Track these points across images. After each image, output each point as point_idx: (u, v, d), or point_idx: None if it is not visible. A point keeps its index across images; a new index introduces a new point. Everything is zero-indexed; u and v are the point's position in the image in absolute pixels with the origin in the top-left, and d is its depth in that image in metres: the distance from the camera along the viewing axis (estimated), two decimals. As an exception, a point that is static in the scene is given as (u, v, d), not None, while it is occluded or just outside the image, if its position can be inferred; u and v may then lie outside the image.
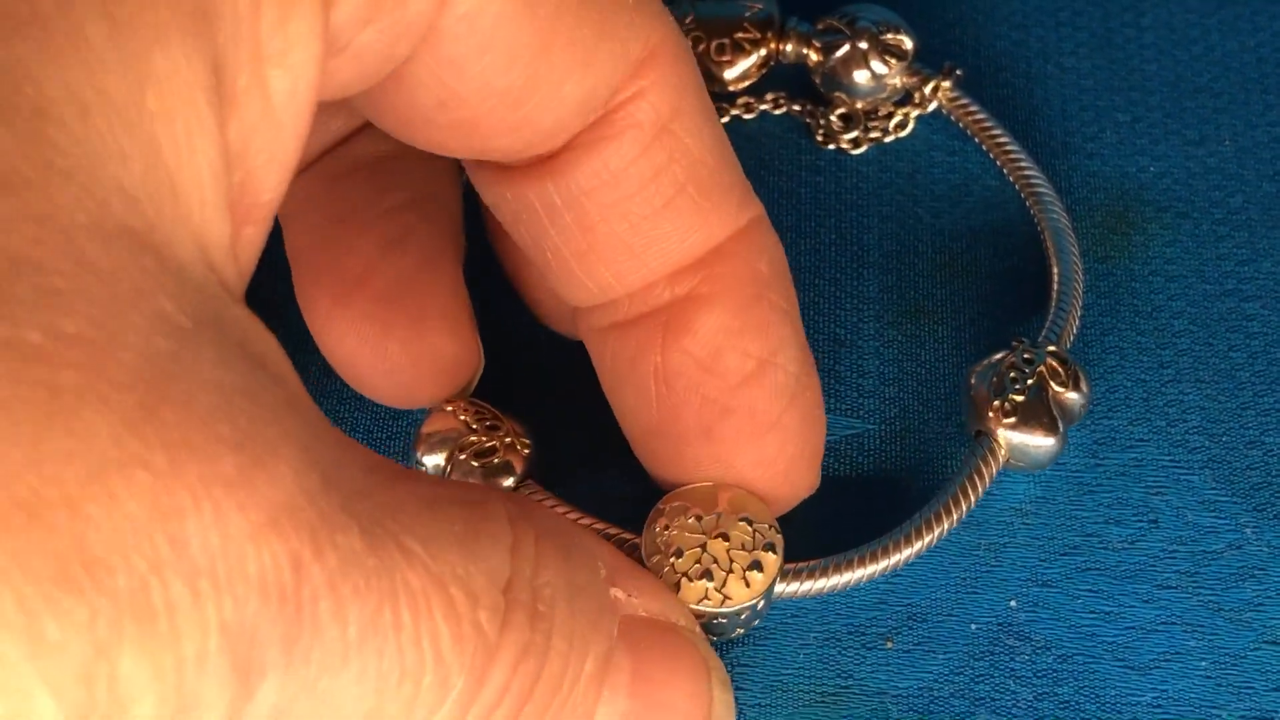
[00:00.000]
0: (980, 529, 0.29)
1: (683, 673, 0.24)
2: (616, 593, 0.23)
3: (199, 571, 0.16)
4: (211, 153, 0.18)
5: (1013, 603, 0.28)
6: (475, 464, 0.28)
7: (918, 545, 0.28)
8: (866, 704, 0.27)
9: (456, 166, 0.29)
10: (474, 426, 0.28)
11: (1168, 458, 0.30)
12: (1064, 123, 0.34)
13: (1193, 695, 0.27)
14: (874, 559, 0.28)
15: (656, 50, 0.24)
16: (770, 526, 0.26)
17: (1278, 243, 0.32)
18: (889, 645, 0.28)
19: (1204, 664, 0.27)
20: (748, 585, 0.26)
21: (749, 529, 0.26)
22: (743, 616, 0.26)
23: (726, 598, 0.26)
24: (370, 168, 0.28)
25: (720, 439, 0.26)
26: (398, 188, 0.28)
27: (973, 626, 0.28)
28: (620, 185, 0.25)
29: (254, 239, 0.20)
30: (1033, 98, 0.35)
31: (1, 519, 0.15)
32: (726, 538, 0.26)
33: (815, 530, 0.29)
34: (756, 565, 0.26)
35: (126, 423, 0.15)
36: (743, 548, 0.26)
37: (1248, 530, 0.29)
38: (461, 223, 0.29)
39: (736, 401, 0.26)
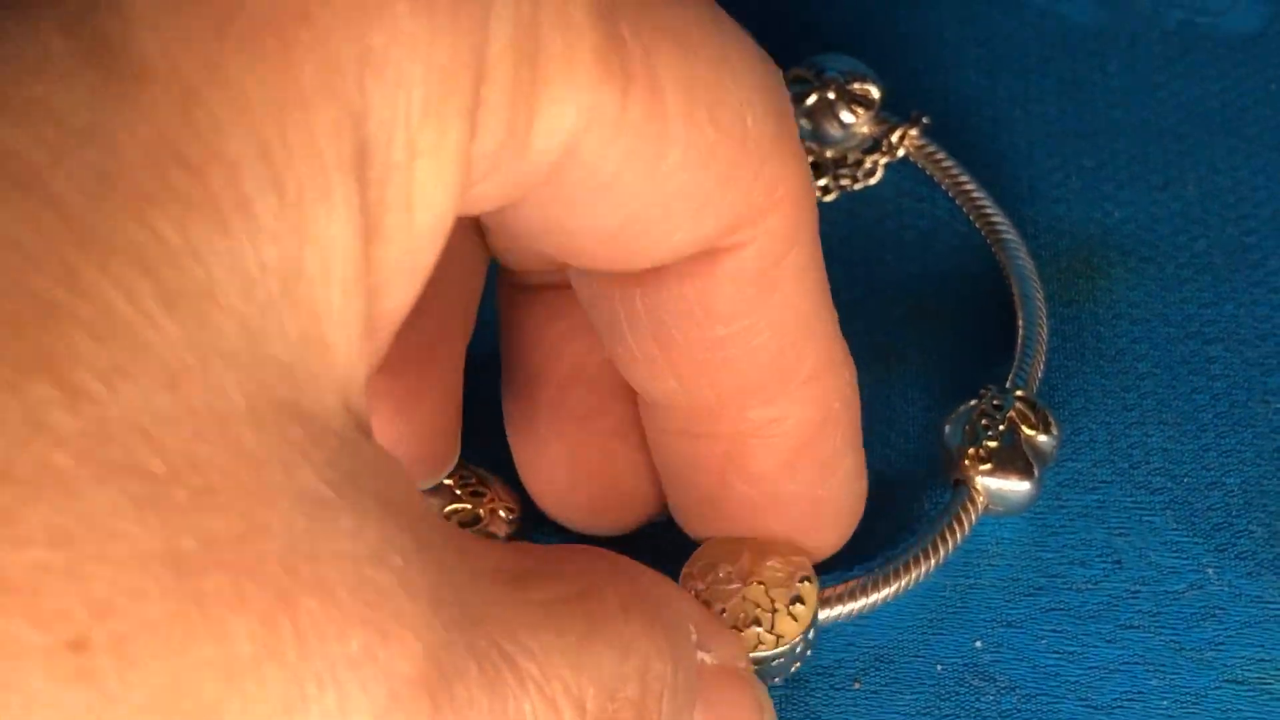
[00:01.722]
0: (947, 570, 0.29)
1: (745, 716, 0.25)
2: (703, 656, 0.24)
3: None
4: (359, 304, 0.18)
5: (978, 643, 0.29)
6: None
7: (897, 585, 0.28)
8: (834, 745, 0.28)
9: (484, 251, 0.29)
10: (459, 492, 0.28)
11: (1131, 499, 0.30)
12: (1030, 168, 0.35)
13: (1155, 734, 0.28)
14: (887, 581, 0.28)
15: (781, 200, 0.23)
16: (797, 558, 0.27)
17: (1240, 286, 0.33)
18: (857, 686, 0.28)
19: (1166, 703, 0.28)
20: (795, 619, 0.27)
21: (779, 566, 0.27)
22: (797, 650, 0.27)
23: (779, 637, 0.26)
24: None
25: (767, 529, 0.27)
26: None
27: (939, 667, 0.29)
28: (704, 316, 0.24)
29: (380, 349, 0.20)
30: (999, 143, 0.35)
31: None
32: (761, 581, 0.27)
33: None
34: (797, 599, 0.27)
35: (264, 620, 0.16)
36: (779, 585, 0.27)
37: (1209, 570, 0.29)
38: (475, 306, 0.29)
39: (787, 526, 0.27)
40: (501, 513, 0.28)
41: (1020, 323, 0.31)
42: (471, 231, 0.28)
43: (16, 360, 0.15)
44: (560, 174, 0.21)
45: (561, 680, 0.19)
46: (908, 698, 0.28)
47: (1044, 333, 0.31)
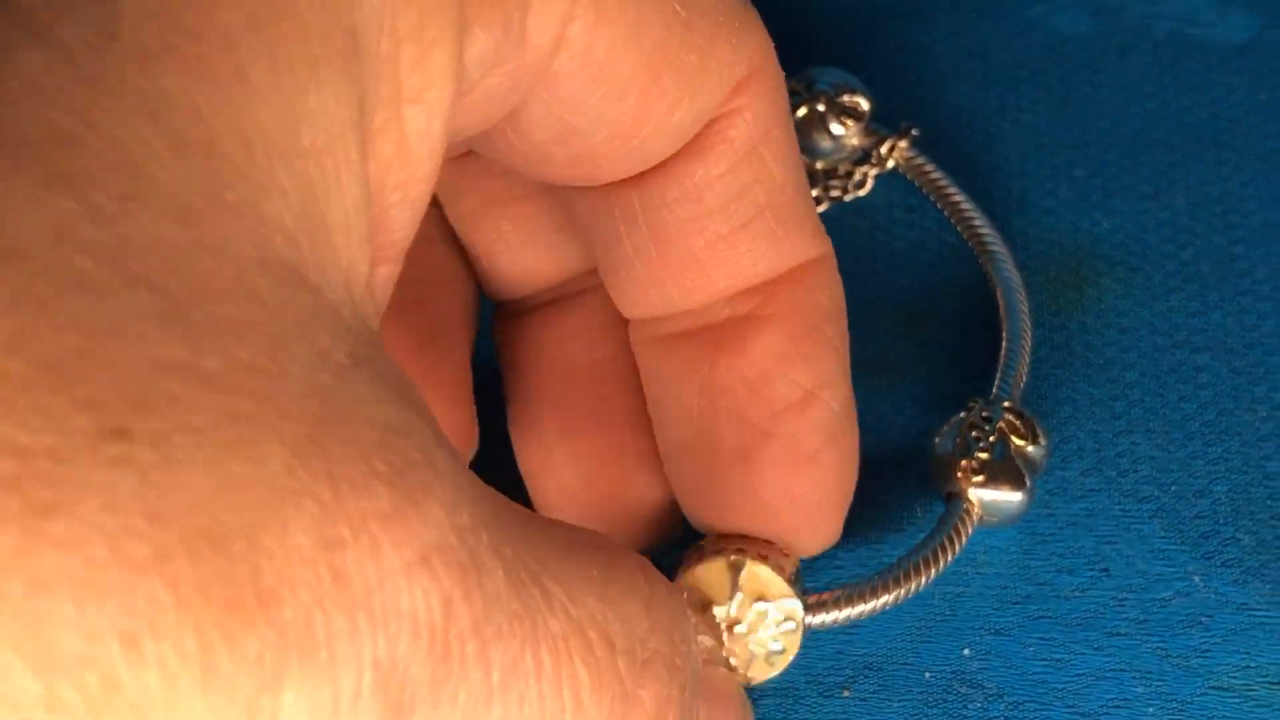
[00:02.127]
0: (935, 579, 0.30)
1: (733, 710, 0.25)
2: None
3: (357, 605, 0.16)
4: (356, 190, 0.18)
5: (966, 651, 0.29)
6: None
7: (892, 595, 0.28)
8: (823, 752, 0.28)
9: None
10: None
11: (1118, 507, 0.31)
12: (1021, 179, 0.35)
13: (1141, 741, 0.28)
14: (884, 589, 0.28)
15: (757, 70, 0.25)
16: (789, 603, 0.27)
17: (1228, 295, 0.33)
18: (846, 694, 0.29)
19: (1152, 710, 0.28)
20: (771, 666, 0.27)
21: (765, 611, 0.26)
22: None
23: (750, 679, 0.27)
24: None
25: (756, 465, 0.26)
26: (418, 257, 0.28)
27: (927, 675, 0.29)
28: (702, 201, 0.25)
29: (388, 277, 0.20)
30: (990, 154, 0.36)
31: (188, 546, 0.15)
32: (746, 628, 0.26)
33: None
34: (779, 650, 0.27)
35: (297, 454, 0.16)
36: (765, 628, 0.26)
37: (1195, 578, 0.30)
38: (478, 300, 0.30)
39: (778, 428, 0.26)
40: None
41: (1005, 334, 0.32)
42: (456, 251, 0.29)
43: (42, 175, 0.15)
44: (557, 67, 0.22)
45: (588, 609, 0.19)
46: (896, 705, 0.28)
47: (1028, 344, 0.31)
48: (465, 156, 0.28)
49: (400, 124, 0.19)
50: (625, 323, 0.28)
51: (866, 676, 0.29)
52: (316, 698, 0.15)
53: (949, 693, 0.28)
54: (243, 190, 0.16)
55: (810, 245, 0.26)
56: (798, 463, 0.26)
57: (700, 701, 0.23)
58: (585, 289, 0.29)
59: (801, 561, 0.29)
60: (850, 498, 0.27)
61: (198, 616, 0.14)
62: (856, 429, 0.27)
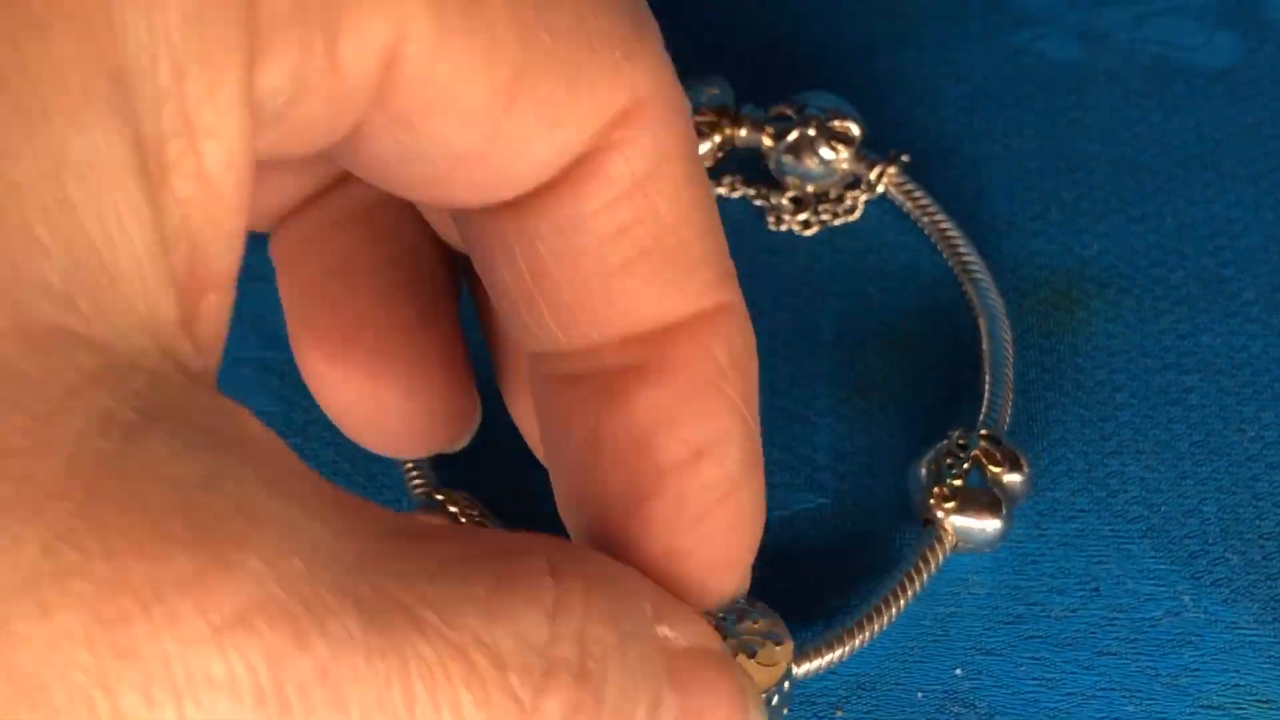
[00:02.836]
0: (927, 600, 0.30)
1: (724, 701, 0.23)
2: (664, 630, 0.22)
3: (151, 679, 0.15)
4: (147, 234, 0.17)
5: (958, 671, 0.29)
6: None
7: (869, 631, 0.29)
8: (816, 772, 0.28)
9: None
10: (462, 520, 0.29)
11: (1109, 528, 0.31)
12: (1009, 202, 0.35)
13: (1132, 759, 0.28)
14: (830, 648, 0.29)
15: (645, 103, 0.23)
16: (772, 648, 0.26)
17: (1217, 317, 0.34)
18: (839, 715, 0.29)
19: (1142, 729, 0.28)
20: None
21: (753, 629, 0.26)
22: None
23: None
24: (365, 215, 0.28)
25: (640, 521, 0.25)
26: (392, 237, 0.28)
27: (919, 695, 0.29)
28: (577, 236, 0.23)
29: (218, 306, 0.19)
30: (979, 178, 0.36)
31: None
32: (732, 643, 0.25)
33: (770, 601, 0.30)
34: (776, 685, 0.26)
35: (61, 532, 0.15)
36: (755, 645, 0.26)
37: (1185, 598, 0.30)
38: (457, 272, 0.29)
39: (663, 488, 0.25)
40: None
41: (986, 363, 0.32)
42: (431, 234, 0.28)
43: None
44: (390, 93, 0.21)
45: (471, 630, 0.18)
46: (889, 725, 0.29)
47: (1010, 372, 0.32)
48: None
49: (198, 158, 0.18)
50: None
51: (859, 696, 0.29)
52: None
53: (941, 712, 0.29)
54: None
55: (706, 293, 0.24)
56: (685, 522, 0.25)
57: (671, 693, 0.22)
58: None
59: (792, 583, 0.29)
60: (752, 552, 0.26)
61: None
62: (760, 479, 0.25)
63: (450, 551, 0.19)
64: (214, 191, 0.18)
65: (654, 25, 0.23)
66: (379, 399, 0.27)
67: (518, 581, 0.20)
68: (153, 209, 0.17)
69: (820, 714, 0.29)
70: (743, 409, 0.25)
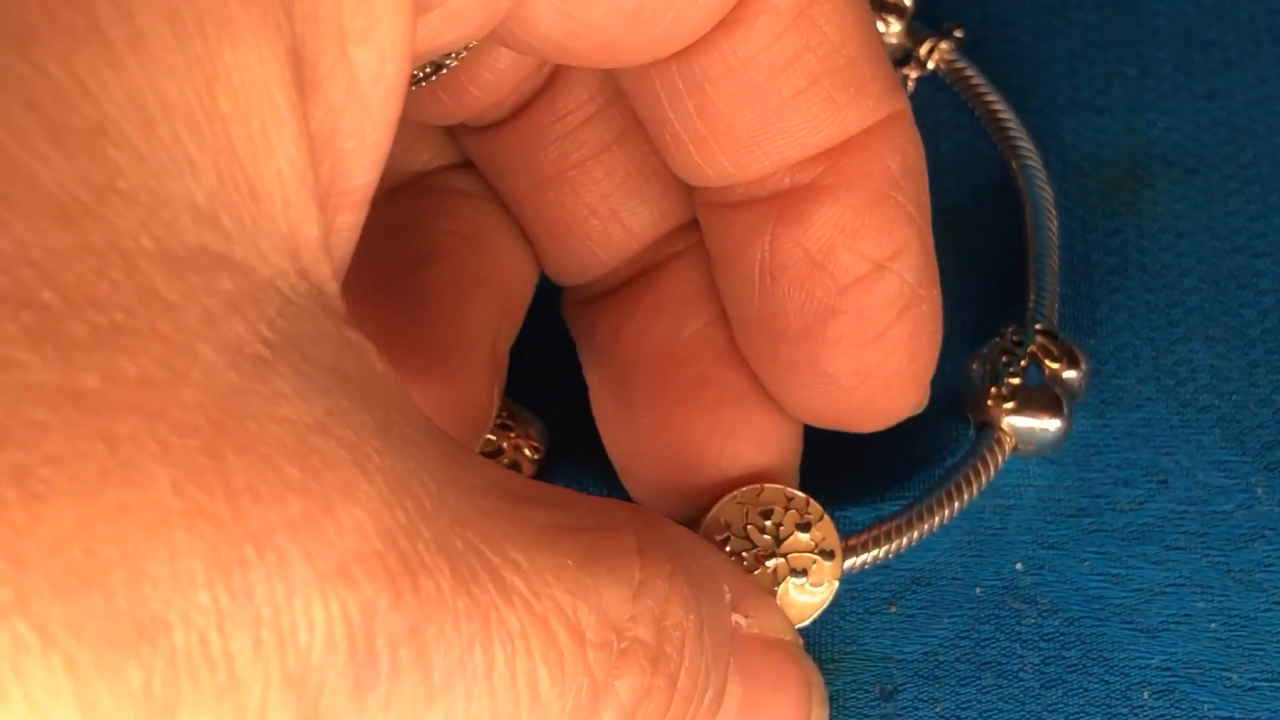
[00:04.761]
0: (985, 493, 0.28)
1: (788, 694, 0.23)
2: (737, 619, 0.22)
3: (260, 623, 0.15)
4: (292, 148, 0.17)
5: (1018, 565, 0.28)
6: None
7: (923, 528, 0.27)
8: (870, 669, 0.27)
9: (533, 261, 0.28)
10: None
11: (1177, 417, 0.29)
12: (1071, 78, 0.34)
13: (1202, 658, 0.27)
14: (882, 542, 0.27)
15: None
16: (820, 538, 0.26)
17: (1290, 197, 0.32)
18: (893, 610, 0.28)
19: (1213, 625, 0.27)
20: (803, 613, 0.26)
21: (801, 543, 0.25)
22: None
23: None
24: (451, 195, 0.27)
25: (821, 341, 0.25)
26: (468, 221, 0.27)
27: (977, 590, 0.28)
28: (748, 73, 0.23)
29: (349, 226, 0.19)
30: (1039, 53, 0.34)
31: (56, 585, 0.14)
32: (783, 567, 0.25)
33: (826, 496, 0.28)
34: (816, 600, 0.25)
35: (189, 470, 0.15)
36: (800, 574, 0.25)
37: (1258, 490, 0.28)
38: (521, 310, 0.28)
39: (844, 304, 0.24)
40: (526, 450, 0.28)
41: (1031, 254, 0.30)
42: (518, 238, 0.27)
43: None
44: None
45: (554, 601, 0.18)
46: (946, 621, 0.27)
47: (1056, 262, 0.30)
48: (505, 130, 0.26)
49: (349, 67, 0.18)
50: (714, 288, 0.26)
51: (914, 591, 0.28)
52: (217, 716, 0.15)
53: (1001, 608, 0.27)
54: (138, 176, 0.15)
55: (879, 106, 0.24)
56: (866, 339, 0.25)
57: (738, 680, 0.22)
58: (666, 258, 0.27)
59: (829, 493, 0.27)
60: (932, 366, 0.26)
61: (69, 655, 0.14)
62: (938, 294, 0.25)
63: (546, 518, 0.19)
64: (362, 102, 0.18)
65: None
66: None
67: (606, 557, 0.20)
68: (301, 121, 0.17)
69: (872, 609, 0.27)
70: (918, 219, 0.25)
